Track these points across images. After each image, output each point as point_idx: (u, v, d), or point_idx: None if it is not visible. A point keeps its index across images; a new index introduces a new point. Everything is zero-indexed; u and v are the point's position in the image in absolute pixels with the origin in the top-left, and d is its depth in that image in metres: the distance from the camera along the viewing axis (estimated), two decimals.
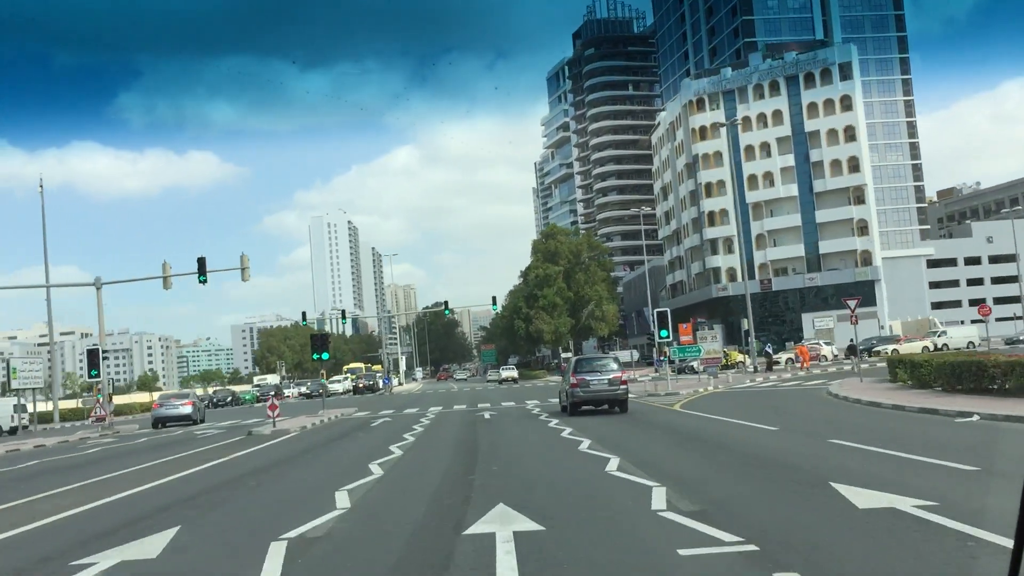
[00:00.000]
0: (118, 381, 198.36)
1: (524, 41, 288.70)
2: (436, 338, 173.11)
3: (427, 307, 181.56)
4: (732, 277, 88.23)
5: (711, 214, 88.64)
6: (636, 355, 64.98)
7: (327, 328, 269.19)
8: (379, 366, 73.81)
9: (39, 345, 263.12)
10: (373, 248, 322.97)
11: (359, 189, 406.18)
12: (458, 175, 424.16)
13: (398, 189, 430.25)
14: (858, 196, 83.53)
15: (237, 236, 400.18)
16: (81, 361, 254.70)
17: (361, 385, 67.13)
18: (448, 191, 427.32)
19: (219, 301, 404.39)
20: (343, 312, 67.40)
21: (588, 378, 24.35)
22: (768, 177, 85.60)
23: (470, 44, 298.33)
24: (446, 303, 63.11)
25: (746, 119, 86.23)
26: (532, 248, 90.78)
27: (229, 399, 66.09)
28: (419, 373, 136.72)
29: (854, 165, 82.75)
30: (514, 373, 78.26)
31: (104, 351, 35.50)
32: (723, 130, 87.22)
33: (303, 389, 69.30)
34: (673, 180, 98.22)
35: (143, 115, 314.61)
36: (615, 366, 25.45)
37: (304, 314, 62.86)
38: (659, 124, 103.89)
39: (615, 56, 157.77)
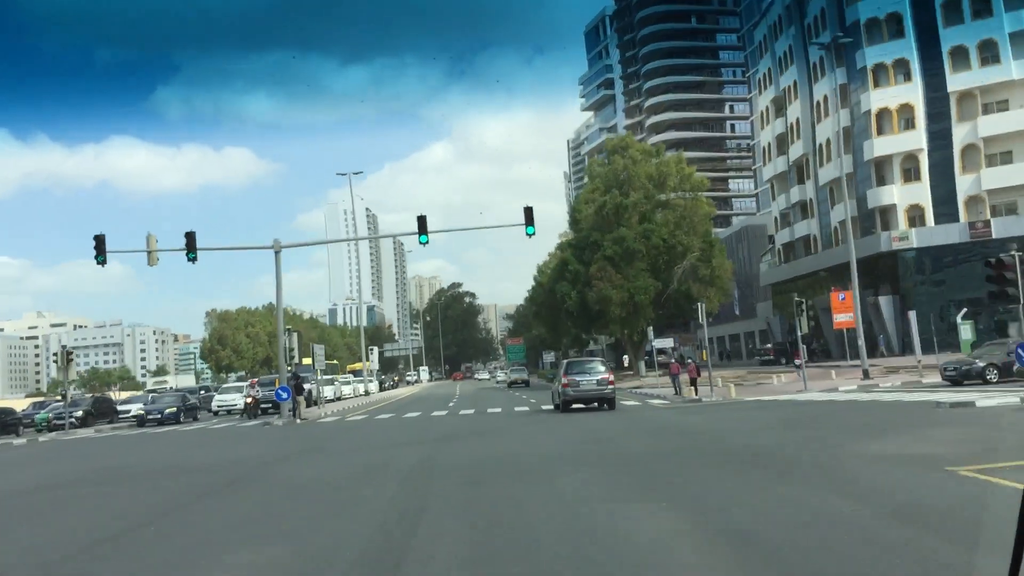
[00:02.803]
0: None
1: (563, 36, 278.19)
2: (453, 330, 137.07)
3: (442, 289, 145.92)
4: (916, 220, 51.63)
5: (880, 115, 51.85)
6: None
7: (339, 321, 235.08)
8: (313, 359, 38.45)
9: (27, 338, 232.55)
10: (394, 237, 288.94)
11: (392, 185, 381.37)
12: (492, 171, 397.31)
13: (431, 185, 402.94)
14: None
15: (271, 232, 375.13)
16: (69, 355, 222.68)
17: (251, 401, 31.55)
18: (482, 187, 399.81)
19: (253, 295, 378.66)
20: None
21: (578, 379, 24.35)
22: (988, 48, 48.75)
23: (509, 39, 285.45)
24: (422, 220, 27.28)
25: None
26: (588, 172, 55.02)
27: None
28: (424, 373, 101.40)
29: None
30: (523, 375, 62.50)
31: None
32: None
33: (137, 407, 34.08)
34: (799, 79, 61.47)
35: (181, 110, 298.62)
36: (603, 368, 25.43)
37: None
38: (771, 4, 66.96)
39: None
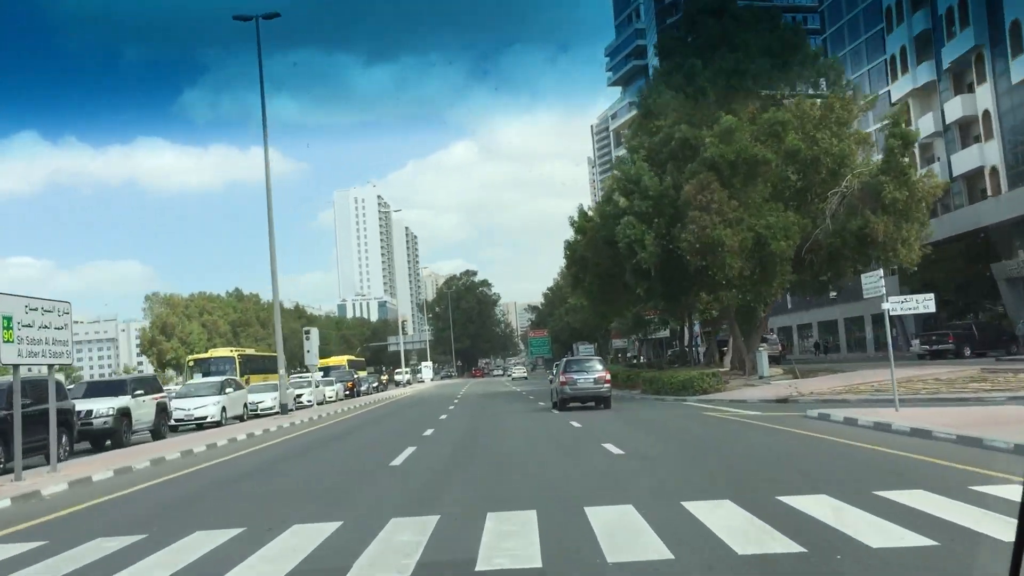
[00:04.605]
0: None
1: (587, 35, 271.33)
2: (466, 320, 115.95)
3: (454, 277, 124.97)
4: None
5: None
6: None
7: (348, 315, 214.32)
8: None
9: None
10: (407, 228, 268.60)
11: (414, 184, 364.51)
12: (514, 170, 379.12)
13: (453, 184, 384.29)
14: None
15: (294, 230, 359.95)
16: None
17: None
18: (503, 186, 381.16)
19: (270, 293, 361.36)
20: None
21: (576, 377, 23.69)
22: None
23: (533, 38, 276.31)
24: None
25: None
26: (659, 46, 33.77)
27: None
28: (427, 370, 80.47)
29: None
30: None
31: None
32: None
33: None
34: None
35: (208, 111, 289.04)
36: (600, 366, 24.45)
37: None
38: None
39: None
